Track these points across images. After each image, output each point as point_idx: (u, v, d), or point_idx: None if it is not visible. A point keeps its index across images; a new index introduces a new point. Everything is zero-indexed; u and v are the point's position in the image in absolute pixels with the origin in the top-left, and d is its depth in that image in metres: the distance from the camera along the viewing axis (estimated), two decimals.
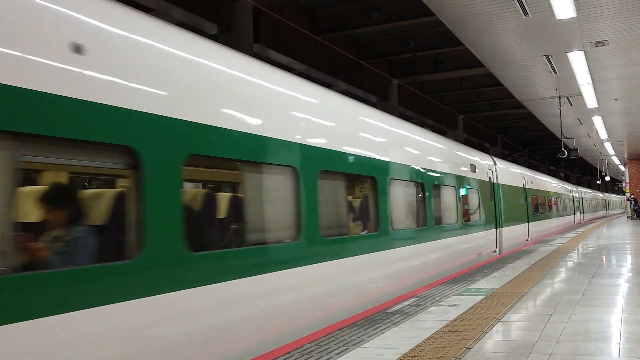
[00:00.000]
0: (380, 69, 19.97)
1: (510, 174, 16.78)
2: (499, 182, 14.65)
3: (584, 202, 39.17)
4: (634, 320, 5.57)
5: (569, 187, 32.74)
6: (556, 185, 27.17)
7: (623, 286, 7.79)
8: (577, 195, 35.14)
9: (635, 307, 6.20)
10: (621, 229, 24.95)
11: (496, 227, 13.84)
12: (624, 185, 43.99)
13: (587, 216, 40.57)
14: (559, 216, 26.62)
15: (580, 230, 24.81)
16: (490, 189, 13.62)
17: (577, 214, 34.47)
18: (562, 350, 4.53)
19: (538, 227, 20.27)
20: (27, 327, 3.00)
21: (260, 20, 13.96)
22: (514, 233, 16.03)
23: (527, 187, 18.76)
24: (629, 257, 12.18)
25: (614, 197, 73.70)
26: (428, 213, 9.27)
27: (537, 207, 20.51)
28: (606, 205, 59.57)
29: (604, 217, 52.00)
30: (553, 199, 24.96)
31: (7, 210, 3.06)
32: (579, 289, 7.59)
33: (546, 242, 17.31)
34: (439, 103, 26.35)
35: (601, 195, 57.00)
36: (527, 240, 18.09)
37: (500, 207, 14.34)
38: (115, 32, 3.74)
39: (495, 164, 14.66)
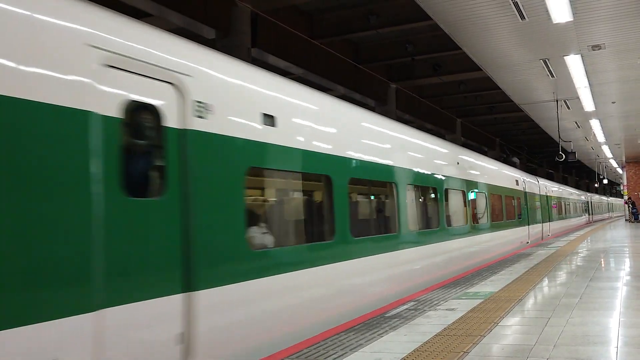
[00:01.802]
0: (378, 73, 20.01)
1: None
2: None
3: (552, 204, 25.47)
4: (632, 323, 5.58)
5: (517, 175, 18.60)
6: (473, 166, 12.99)
7: (621, 289, 7.79)
8: (533, 191, 20.82)
9: (634, 311, 6.21)
10: (619, 232, 24.97)
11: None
12: (621, 188, 44.05)
13: (559, 225, 27.22)
14: (478, 231, 12.84)
15: (579, 233, 24.81)
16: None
17: (537, 224, 20.86)
18: (560, 353, 4.54)
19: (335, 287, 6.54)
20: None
21: (258, 24, 14.00)
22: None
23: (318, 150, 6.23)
24: (627, 260, 12.19)
25: (601, 199, 58.35)
26: None
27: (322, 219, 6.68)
28: (589, 208, 44.59)
29: (586, 224, 38.79)
30: (457, 199, 11.62)
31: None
32: (577, 292, 7.59)
33: (544, 245, 17.32)
34: (437, 107, 26.41)
35: (582, 195, 41.87)
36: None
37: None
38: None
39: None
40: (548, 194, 24.53)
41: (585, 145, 28.96)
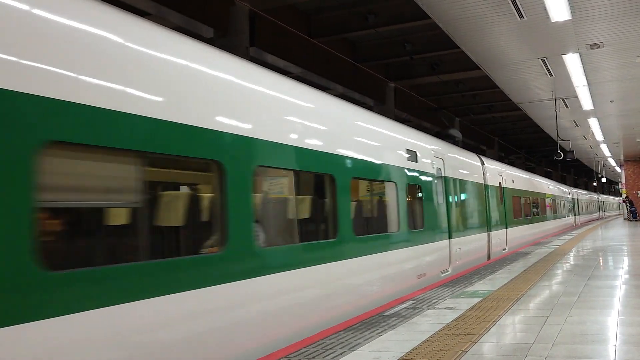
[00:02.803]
0: (377, 72, 20.00)
1: None
2: None
3: (508, 201, 16.98)
4: (631, 322, 5.58)
5: (422, 145, 10.05)
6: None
7: (619, 288, 7.80)
8: (467, 177, 12.91)
9: (632, 309, 6.22)
10: (617, 231, 24.99)
11: None
12: (620, 187, 44.11)
13: (526, 232, 19.17)
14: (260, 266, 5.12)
15: (576, 232, 24.83)
16: None
17: (474, 235, 12.95)
18: (559, 352, 4.54)
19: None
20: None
21: (257, 24, 13.98)
22: None
23: None
24: (625, 259, 12.20)
25: (590, 196, 48.67)
26: None
27: None
28: (574, 208, 35.48)
29: (571, 229, 30.23)
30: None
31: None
32: (575, 291, 7.60)
33: (543, 244, 17.33)
34: (435, 106, 26.42)
35: (566, 190, 33.20)
36: None
37: None
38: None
39: None
40: (505, 185, 16.55)
41: (584, 144, 28.99)
